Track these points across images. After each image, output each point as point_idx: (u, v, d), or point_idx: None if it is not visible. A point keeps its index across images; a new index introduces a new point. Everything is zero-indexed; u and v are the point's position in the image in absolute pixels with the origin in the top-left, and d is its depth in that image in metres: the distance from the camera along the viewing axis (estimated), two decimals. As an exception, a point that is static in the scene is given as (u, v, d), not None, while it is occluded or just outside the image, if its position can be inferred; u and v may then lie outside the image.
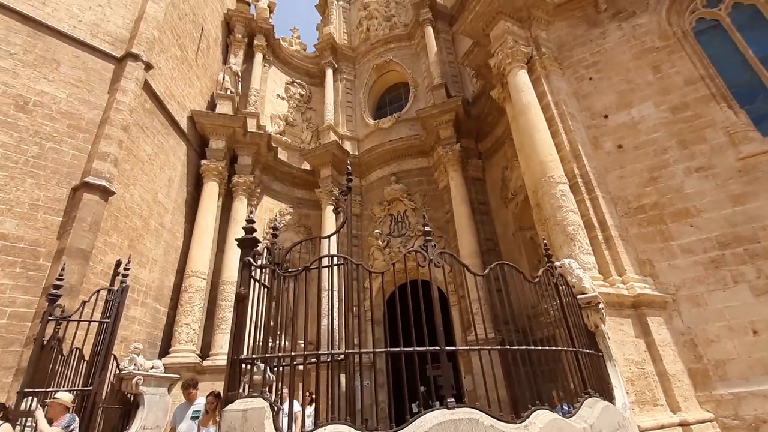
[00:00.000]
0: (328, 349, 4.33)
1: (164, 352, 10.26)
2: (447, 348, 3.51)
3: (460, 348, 4.09)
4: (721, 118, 7.54)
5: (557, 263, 5.65)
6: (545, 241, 5.86)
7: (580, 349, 4.67)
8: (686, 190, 7.41)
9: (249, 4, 17.90)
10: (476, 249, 11.21)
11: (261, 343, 3.93)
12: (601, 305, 5.56)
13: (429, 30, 15.58)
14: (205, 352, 10.83)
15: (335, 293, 9.10)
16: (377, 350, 3.74)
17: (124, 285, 5.48)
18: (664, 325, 6.64)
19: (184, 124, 12.53)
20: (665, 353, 6.35)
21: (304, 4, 63.37)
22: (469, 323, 10.10)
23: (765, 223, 6.56)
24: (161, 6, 11.33)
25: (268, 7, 17.76)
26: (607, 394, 4.68)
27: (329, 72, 17.02)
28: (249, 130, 13.73)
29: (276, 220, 5.27)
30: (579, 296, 5.55)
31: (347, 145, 15.30)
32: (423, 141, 13.88)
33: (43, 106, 8.61)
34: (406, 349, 3.51)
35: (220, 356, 10.29)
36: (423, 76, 15.55)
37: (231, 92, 14.14)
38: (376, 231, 13.56)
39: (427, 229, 4.05)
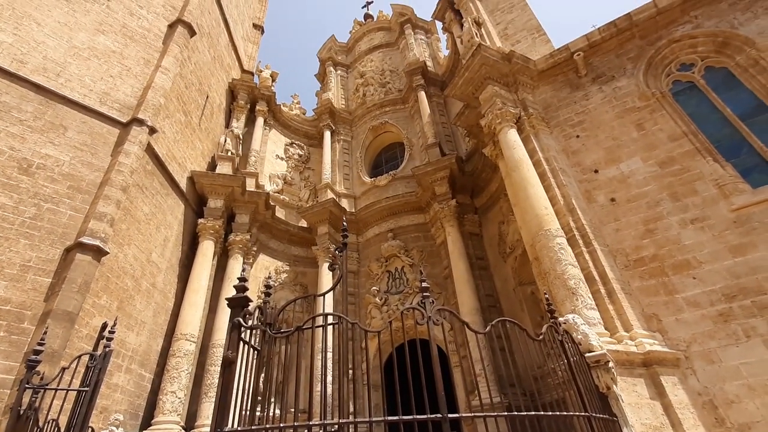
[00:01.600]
0: (321, 419, 4.01)
1: (146, 423, 9.51)
2: (450, 416, 3.24)
3: (464, 415, 3.78)
4: (709, 171, 7.73)
5: (561, 319, 5.45)
6: (547, 296, 5.70)
7: (594, 414, 4.33)
8: (684, 241, 7.38)
9: (253, 74, 19.21)
10: (476, 305, 10.90)
11: (248, 413, 3.64)
12: (611, 364, 5.28)
13: (422, 94, 16.51)
14: (190, 422, 10.05)
15: (330, 355, 8.65)
16: (374, 419, 3.45)
17: (107, 350, 5.19)
18: (679, 385, 6.25)
19: (183, 184, 12.77)
20: (684, 417, 5.90)
21: (305, 73, 67.93)
22: (472, 386, 9.52)
23: (768, 274, 6.45)
24: (169, 76, 12.05)
25: (271, 76, 18.96)
26: (627, 466, 4.27)
27: (327, 134, 17.73)
28: (248, 189, 13.98)
29: (270, 278, 5.14)
30: (587, 354, 5.28)
31: (344, 203, 15.50)
32: (419, 197, 14.09)
33: (45, 169, 8.79)
34: (405, 417, 3.24)
35: (206, 428, 9.53)
36: (417, 136, 16.20)
37: (231, 153, 14.59)
38: (374, 288, 13.28)
39: (424, 285, 3.94)
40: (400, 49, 19.88)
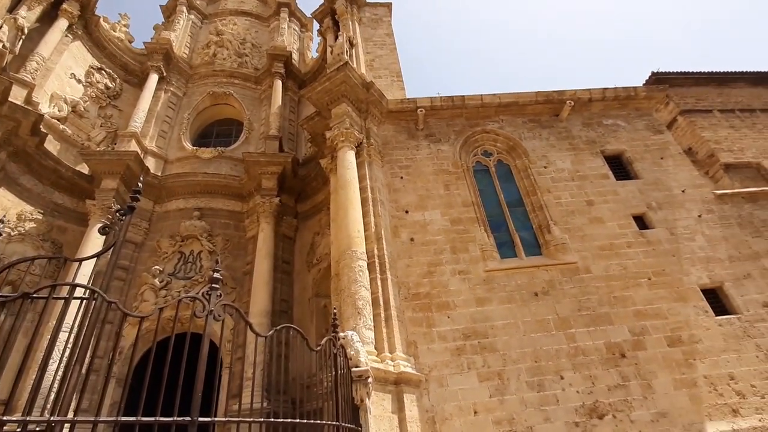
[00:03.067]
0: (24, 414, 3.04)
1: None
2: (200, 419, 2.95)
3: (216, 419, 3.50)
4: (479, 237, 9.85)
5: (341, 334, 5.81)
6: (335, 311, 6.02)
7: (343, 424, 4.70)
8: (450, 287, 9.09)
9: (72, -37, 14.65)
10: (269, 308, 10.65)
11: None
12: (370, 379, 5.88)
13: (278, 83, 15.84)
14: None
15: (64, 336, 6.88)
16: (101, 419, 2.82)
17: None
18: (415, 402, 7.45)
19: None
20: (411, 428, 7.02)
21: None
22: (238, 389, 9.10)
23: (493, 323, 8.53)
24: None
25: (99, -22, 14.93)
26: (358, 472, 4.74)
27: (154, 77, 14.90)
28: (11, 99, 10.28)
29: (3, 222, 3.75)
30: (354, 369, 5.75)
31: (150, 162, 13.14)
32: (242, 184, 13.18)
33: None
34: (144, 419, 2.77)
35: None
36: (261, 122, 15.32)
37: (4, 47, 10.58)
38: (156, 267, 11.44)
39: (216, 276, 3.58)
40: (270, 29, 18.80)
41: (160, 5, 18.71)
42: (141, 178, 4.57)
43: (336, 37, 13.92)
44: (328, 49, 13.86)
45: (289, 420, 3.81)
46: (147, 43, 15.62)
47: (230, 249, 12.42)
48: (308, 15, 19.07)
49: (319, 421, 4.33)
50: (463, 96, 12.16)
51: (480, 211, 10.39)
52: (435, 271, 9.29)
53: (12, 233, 10.34)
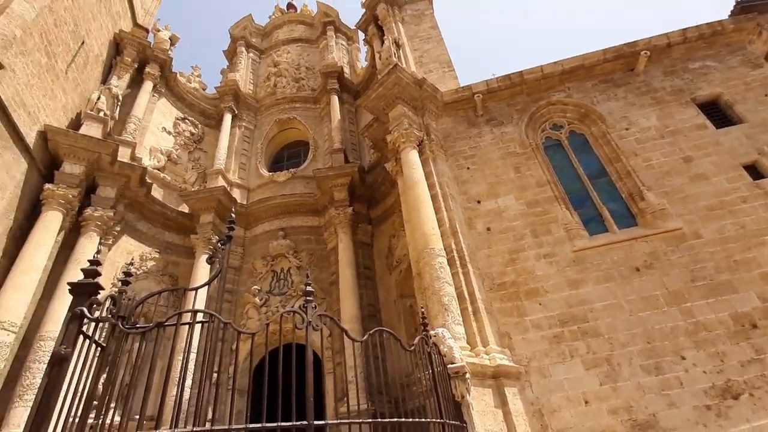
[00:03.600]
0: (171, 427, 3.57)
1: None
2: (315, 423, 3.20)
3: (329, 422, 3.77)
4: (561, 216, 9.25)
5: (432, 332, 5.87)
6: (423, 310, 6.10)
7: (448, 421, 4.73)
8: (536, 272, 8.66)
9: (148, 32, 16.82)
10: (358, 314, 11.11)
11: (77, 420, 3.06)
12: (467, 375, 5.85)
13: (335, 98, 16.49)
14: (-10, 433, 8.05)
15: (193, 355, 7.85)
16: (234, 427, 3.21)
17: None
18: (518, 395, 7.23)
19: (31, 138, 10.45)
20: (518, 423, 6.83)
21: (212, 47, 62.36)
22: (343, 393, 9.62)
23: (592, 306, 7.94)
24: (33, 6, 9.86)
25: (170, 39, 16.92)
26: (470, 468, 4.74)
27: (228, 116, 16.44)
28: (120, 159, 12.08)
29: (132, 264, 4.45)
30: (449, 365, 5.76)
31: (236, 193, 14.48)
32: (316, 200, 13.92)
33: None
34: (268, 425, 3.10)
35: (13, 439, 7.74)
36: (324, 138, 16.06)
37: (105, 114, 12.46)
38: (255, 287, 12.57)
39: (309, 289, 3.86)
40: (320, 49, 19.64)
41: (222, 50, 20.60)
42: (233, 209, 5.09)
43: (382, 42, 14.11)
44: (376, 56, 14.10)
45: (395, 420, 3.95)
46: (217, 87, 17.30)
47: (315, 262, 13.18)
48: (352, 27, 19.58)
49: (424, 420, 4.42)
50: (521, 71, 11.56)
51: (558, 189, 9.78)
52: (518, 258, 8.93)
53: (138, 272, 12.10)
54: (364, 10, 16.24)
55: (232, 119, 16.61)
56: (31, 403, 7.88)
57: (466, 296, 8.17)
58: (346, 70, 18.34)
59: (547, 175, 10.02)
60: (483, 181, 10.34)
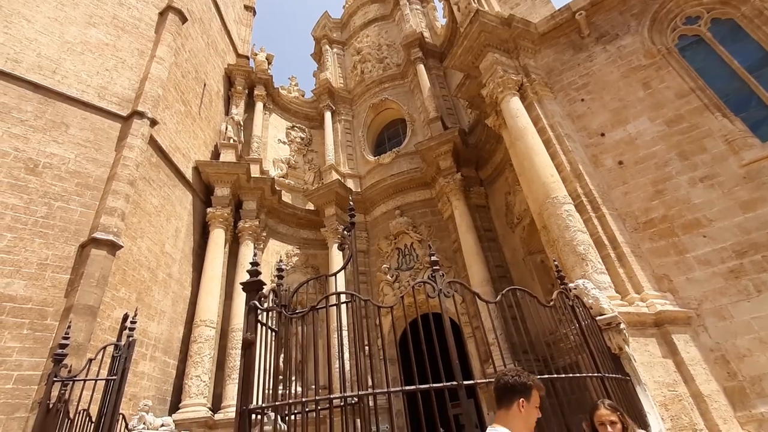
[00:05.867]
0: (341, 393, 4.14)
1: (174, 407, 9.91)
2: (465, 383, 3.35)
3: (479, 381, 3.89)
4: (718, 127, 7.56)
5: (571, 285, 5.49)
6: (556, 263, 5.73)
7: (606, 374, 4.43)
8: (693, 200, 7.31)
9: (248, 58, 18.88)
10: (487, 277, 11.00)
11: (271, 391, 3.78)
12: (622, 326, 5.35)
13: (421, 67, 16.17)
14: (216, 404, 10.46)
15: (345, 333, 8.86)
16: (391, 390, 3.58)
17: (130, 339, 5.38)
18: (691, 342, 6.33)
19: (189, 174, 12.83)
20: (697, 372, 6.01)
21: (301, 53, 66.68)
22: (486, 355, 9.72)
23: (780, 228, 6.40)
24: (165, 66, 11.92)
25: (267, 59, 18.64)
26: (641, 421, 4.39)
27: (328, 114, 17.56)
28: (252, 175, 14.01)
29: (281, 262, 5.20)
30: (598, 318, 5.35)
31: (350, 183, 15.50)
32: (424, 173, 14.02)
33: (52, 168, 8.87)
34: (421, 386, 3.35)
35: (231, 408, 9.91)
36: (419, 111, 15.96)
37: (234, 141, 14.56)
38: (384, 266, 13.42)
39: (434, 259, 3.98)
40: (396, 22, 19.35)
41: (310, 54, 21.90)
42: (350, 198, 5.50)
43: (457, -8, 13.18)
44: (454, 9, 13.25)
45: (546, 376, 3.86)
46: (313, 90, 18.60)
47: (434, 233, 13.40)
48: (423, -13, 18.70)
49: (581, 375, 4.22)
50: (631, -32, 9.58)
51: (707, 95, 7.98)
52: (665, 189, 7.65)
53: (287, 268, 14.02)
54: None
55: (332, 116, 17.68)
56: (237, 380, 9.98)
57: (606, 242, 7.39)
58: (426, 34, 17.73)
59: (688, 82, 8.25)
60: (603, 110, 9.04)
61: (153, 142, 10.94)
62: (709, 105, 7.85)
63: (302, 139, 17.74)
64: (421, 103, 15.74)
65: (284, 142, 17.31)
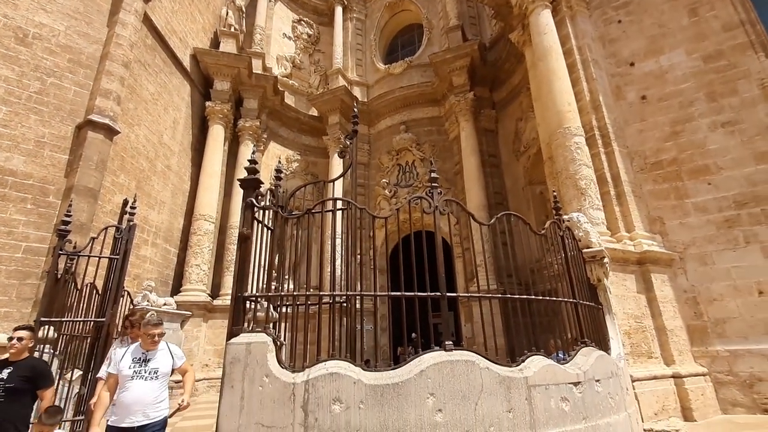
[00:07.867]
0: (331, 290, 4.39)
1: (176, 290, 10.65)
2: (448, 294, 3.53)
3: (461, 295, 4.13)
4: (757, 69, 7.00)
5: (565, 217, 5.54)
6: (555, 195, 5.71)
7: (581, 301, 4.69)
8: (708, 146, 7.07)
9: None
10: (484, 202, 11.10)
11: (265, 285, 3.99)
12: (606, 260, 5.52)
13: (447, -36, 14.35)
14: (215, 293, 11.23)
15: (339, 240, 9.18)
16: (378, 293, 3.78)
17: (131, 223, 5.52)
18: (667, 282, 6.64)
19: (187, 62, 12.07)
20: (665, 309, 6.40)
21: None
22: (472, 275, 10.24)
23: (787, 183, 6.30)
24: (158, -71, 10.46)
25: (274, -66, 16.36)
26: (604, 345, 4.77)
27: (339, 10, 16.01)
28: (254, 71, 13.21)
29: (280, 164, 5.15)
30: (584, 250, 5.49)
31: (356, 91, 14.75)
32: (435, 88, 13.29)
33: (42, 39, 8.26)
34: (407, 293, 3.54)
35: (229, 296, 10.63)
36: (439, 16, 14.56)
37: (235, 29, 13.44)
38: (384, 180, 13.42)
39: (433, 175, 3.92)
40: None
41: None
42: (355, 107, 5.25)
43: None
44: None
45: (524, 297, 4.08)
46: (324, -22, 16.65)
47: (438, 153, 13.16)
48: None
49: (556, 299, 4.45)
50: None
51: (756, 31, 7.25)
52: (683, 131, 7.35)
53: (286, 173, 13.99)
54: None
55: (343, 12, 16.15)
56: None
57: (609, 179, 7.31)
58: None
59: (740, 13, 7.43)
60: (640, 35, 8.26)
61: (147, 21, 10.07)
62: (755, 42, 7.16)
63: (309, 36, 16.40)
64: (442, 7, 14.29)
65: (289, 38, 16.03)
